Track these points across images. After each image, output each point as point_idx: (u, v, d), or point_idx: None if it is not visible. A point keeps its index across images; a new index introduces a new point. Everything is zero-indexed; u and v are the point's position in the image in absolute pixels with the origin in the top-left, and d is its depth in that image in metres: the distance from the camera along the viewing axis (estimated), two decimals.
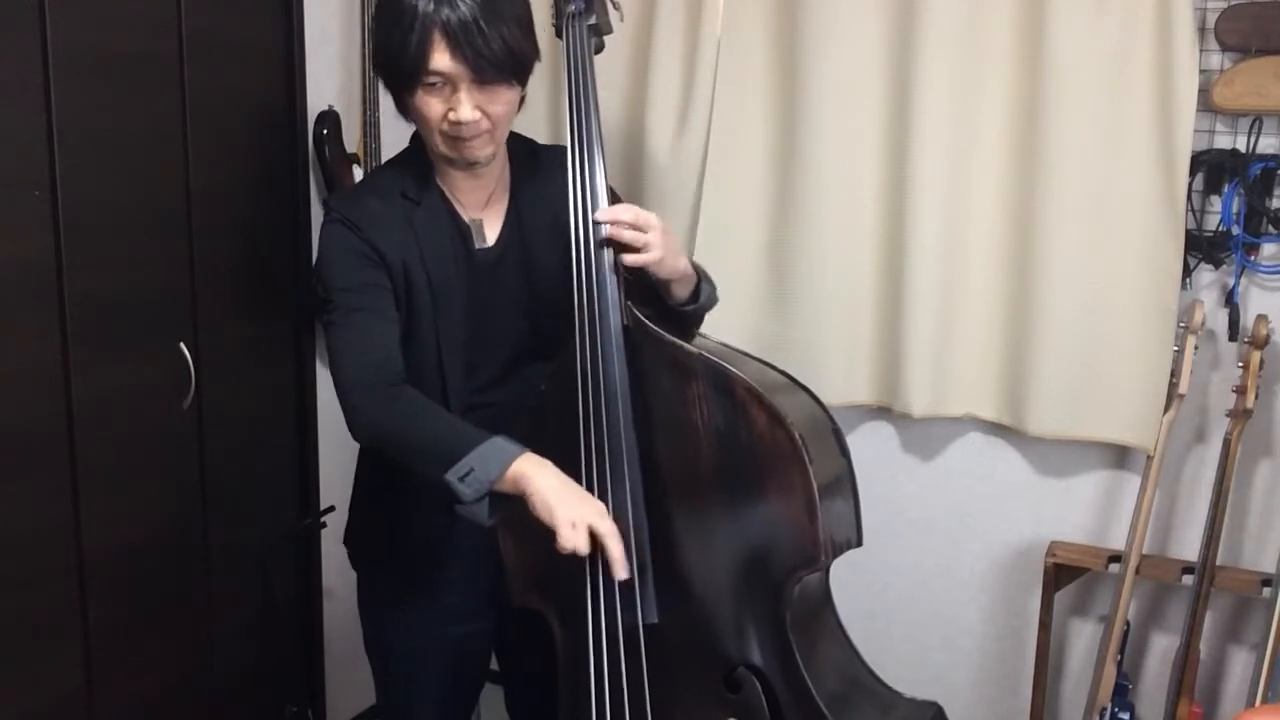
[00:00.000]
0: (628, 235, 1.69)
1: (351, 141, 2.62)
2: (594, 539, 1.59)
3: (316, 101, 2.58)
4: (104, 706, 2.20)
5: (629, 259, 1.70)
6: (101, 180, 2.10)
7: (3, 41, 1.91)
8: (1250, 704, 2.15)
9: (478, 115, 1.67)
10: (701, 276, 1.83)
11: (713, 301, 1.86)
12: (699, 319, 1.86)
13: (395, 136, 2.66)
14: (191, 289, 2.31)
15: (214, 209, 2.34)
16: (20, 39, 1.94)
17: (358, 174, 2.61)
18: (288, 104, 2.53)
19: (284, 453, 2.64)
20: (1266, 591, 2.23)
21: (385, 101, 2.54)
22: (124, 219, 2.16)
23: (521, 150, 1.87)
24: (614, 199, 1.83)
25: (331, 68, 2.66)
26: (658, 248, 1.69)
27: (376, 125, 2.58)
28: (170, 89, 2.23)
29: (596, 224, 1.70)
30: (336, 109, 2.59)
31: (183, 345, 2.28)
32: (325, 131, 2.57)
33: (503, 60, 1.65)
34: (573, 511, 1.57)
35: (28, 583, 2.04)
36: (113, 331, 2.15)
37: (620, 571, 1.60)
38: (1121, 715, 2.37)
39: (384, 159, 2.62)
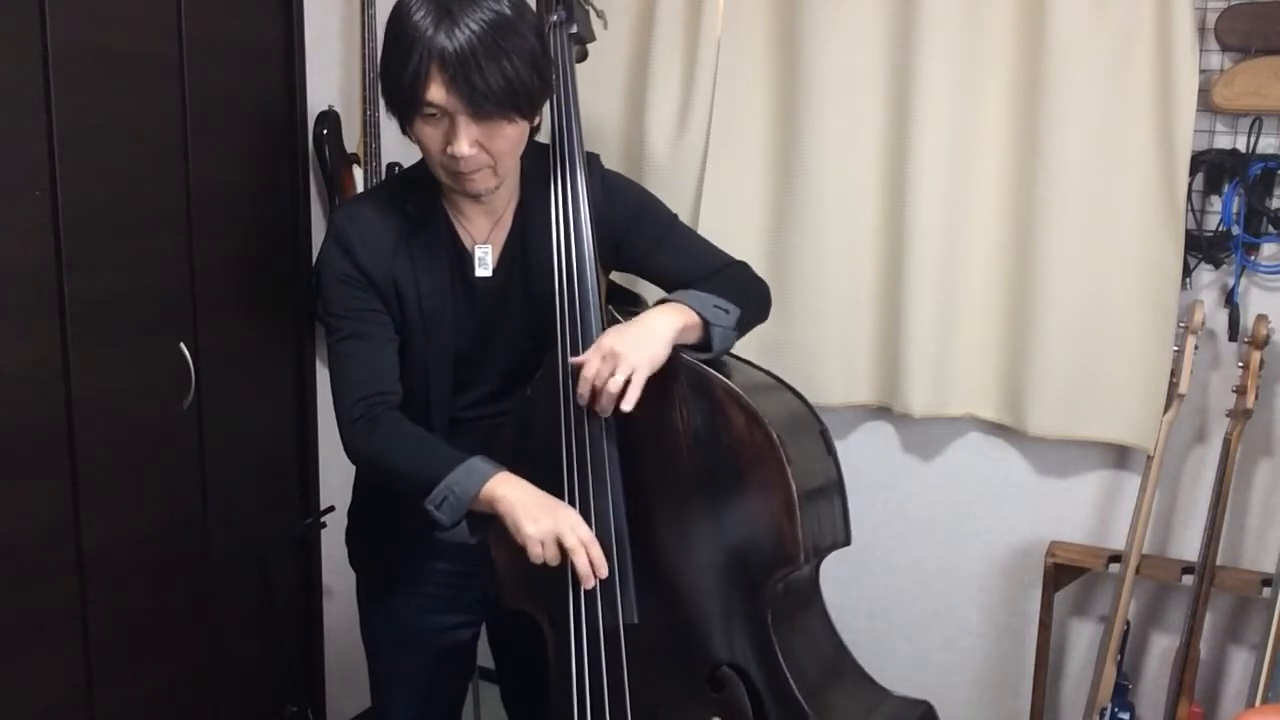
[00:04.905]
0: (603, 401, 1.62)
1: (351, 141, 2.62)
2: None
3: (316, 101, 2.58)
4: (104, 706, 2.20)
5: (603, 406, 1.63)
6: (101, 180, 2.10)
7: (3, 41, 1.91)
8: (1250, 704, 2.15)
9: (475, 151, 1.60)
10: (710, 320, 1.71)
11: (730, 342, 1.76)
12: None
13: (395, 136, 2.64)
14: (191, 289, 2.31)
15: (214, 209, 2.34)
16: (20, 39, 1.94)
17: (358, 174, 2.61)
18: (288, 104, 2.53)
19: (284, 453, 2.64)
20: (1266, 591, 2.22)
21: None
22: (124, 219, 2.16)
23: (536, 168, 1.78)
24: (605, 191, 1.83)
25: (331, 68, 2.66)
26: (635, 386, 1.60)
27: (376, 125, 2.58)
28: (170, 89, 2.23)
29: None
30: (336, 109, 2.59)
31: (183, 345, 2.28)
32: (325, 131, 2.57)
33: (502, 97, 1.56)
34: (540, 527, 1.58)
35: (28, 583, 2.04)
36: (113, 331, 2.15)
37: (586, 583, 1.62)
38: (1121, 715, 2.37)
39: (384, 159, 2.63)
